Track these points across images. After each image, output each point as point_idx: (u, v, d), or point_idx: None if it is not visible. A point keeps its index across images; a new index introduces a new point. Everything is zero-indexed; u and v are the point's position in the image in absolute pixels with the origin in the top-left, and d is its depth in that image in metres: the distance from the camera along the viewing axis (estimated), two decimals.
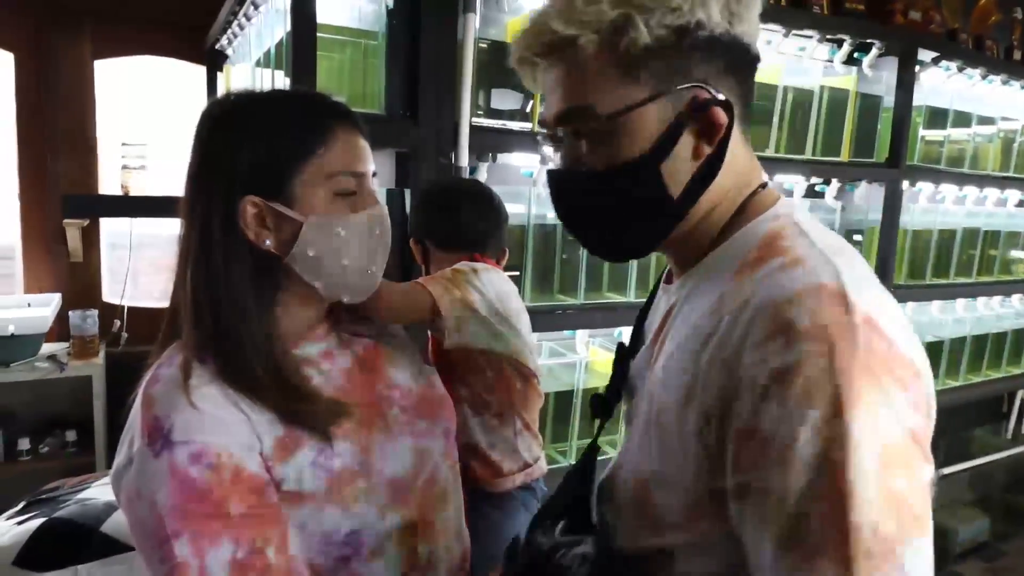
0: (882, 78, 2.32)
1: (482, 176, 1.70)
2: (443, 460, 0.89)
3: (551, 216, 1.82)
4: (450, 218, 1.30)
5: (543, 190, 1.78)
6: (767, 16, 1.98)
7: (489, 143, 1.66)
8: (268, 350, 0.75)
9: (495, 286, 1.21)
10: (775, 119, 2.11)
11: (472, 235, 1.30)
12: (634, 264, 1.94)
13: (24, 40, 2.96)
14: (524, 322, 1.29)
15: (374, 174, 0.82)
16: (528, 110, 1.74)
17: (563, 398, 1.91)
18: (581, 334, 1.95)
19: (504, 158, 1.76)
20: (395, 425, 0.84)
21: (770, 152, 2.13)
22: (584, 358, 1.91)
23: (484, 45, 1.63)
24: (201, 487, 0.66)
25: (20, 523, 1.75)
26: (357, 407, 0.81)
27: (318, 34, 1.40)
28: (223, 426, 0.69)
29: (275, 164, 0.75)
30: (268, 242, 0.75)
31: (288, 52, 1.52)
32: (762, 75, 2.05)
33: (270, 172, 0.75)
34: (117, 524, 1.79)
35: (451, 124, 1.54)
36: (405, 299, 1.10)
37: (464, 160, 1.56)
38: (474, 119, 1.58)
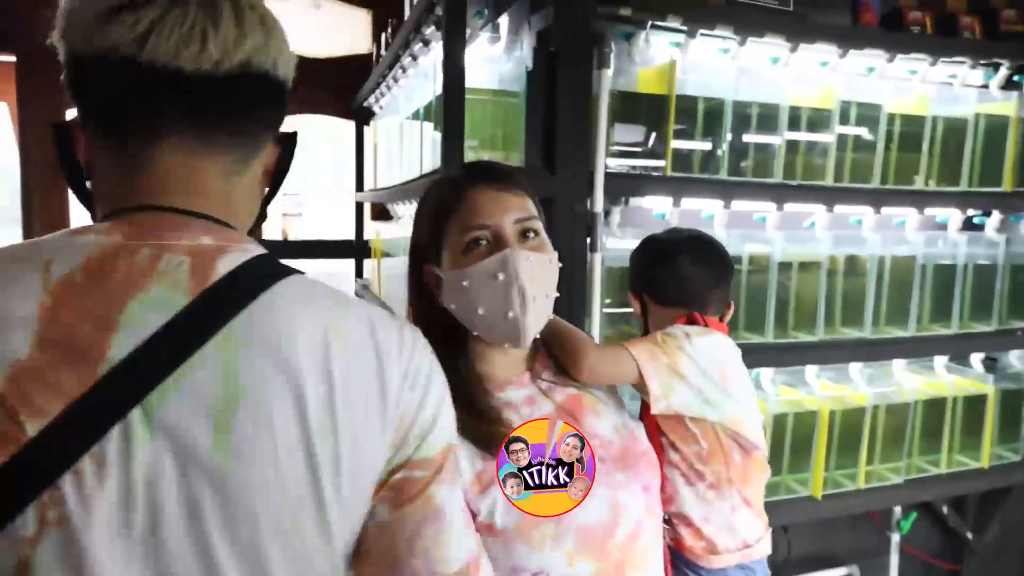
0: None
1: (615, 219, 1.75)
2: (647, 518, 0.90)
3: None
4: (668, 272, 1.25)
5: None
6: (911, 46, 1.92)
7: (622, 188, 1.71)
8: (465, 390, 0.84)
9: (708, 351, 1.15)
10: (924, 148, 2.01)
11: (691, 290, 1.24)
12: (771, 305, 1.90)
13: None
14: (743, 390, 1.19)
15: (522, 219, 0.88)
16: (650, 146, 1.78)
17: None
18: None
19: (636, 201, 1.80)
20: None
21: (919, 185, 2.03)
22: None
23: (616, 96, 1.69)
24: None
25: None
26: None
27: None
28: None
29: (431, 235, 0.89)
30: (442, 300, 0.89)
31: (437, 110, 1.66)
32: (908, 106, 1.98)
33: (430, 243, 0.90)
34: None
35: (586, 172, 1.60)
36: (608, 363, 1.07)
37: (599, 206, 1.61)
38: (610, 160, 1.64)
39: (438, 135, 1.64)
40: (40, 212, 2.94)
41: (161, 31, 0.53)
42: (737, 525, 1.19)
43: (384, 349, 0.59)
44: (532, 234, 0.88)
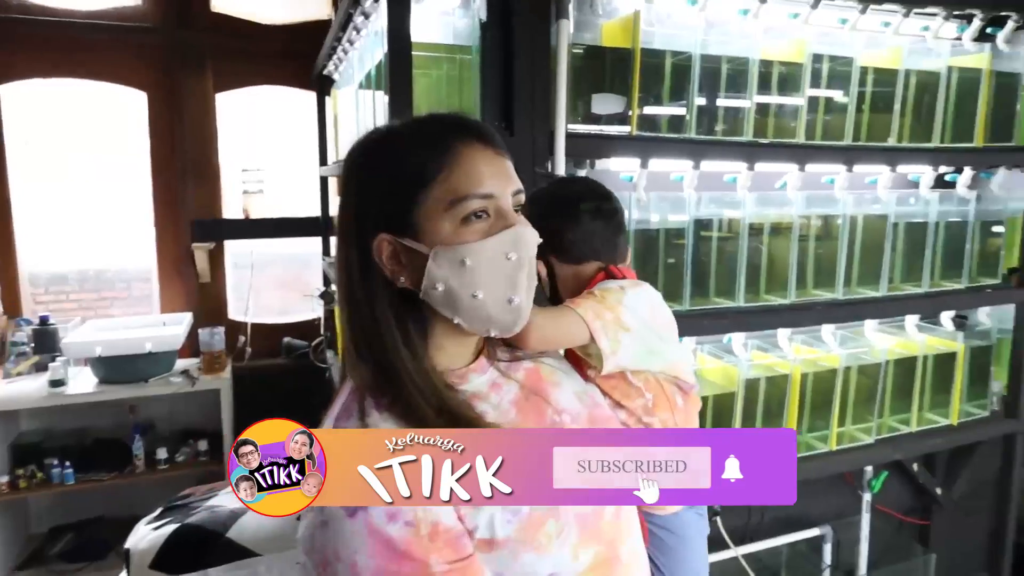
0: (1020, 54, 2.11)
1: None
2: None
3: (655, 221, 1.77)
4: (574, 228, 1.15)
5: (644, 195, 1.74)
6: None
7: (586, 149, 1.63)
8: (430, 387, 0.72)
9: (644, 300, 1.10)
10: (896, 106, 1.96)
11: (600, 242, 1.16)
12: (742, 269, 1.86)
13: (155, 80, 3.23)
14: (675, 334, 1.16)
15: (519, 191, 0.75)
16: (627, 113, 1.70)
17: None
18: (688, 341, 1.88)
19: (602, 163, 1.73)
20: None
21: (892, 141, 1.98)
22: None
23: (578, 51, 1.61)
24: (402, 547, 0.65)
25: (156, 528, 1.89)
26: None
27: (414, 52, 1.43)
28: None
29: (398, 197, 0.72)
30: (403, 279, 0.73)
31: (387, 72, 1.56)
32: (881, 59, 1.93)
33: (395, 206, 0.72)
34: (241, 530, 1.90)
35: (546, 133, 1.53)
36: (558, 327, 1.01)
37: (561, 168, 1.54)
38: (570, 126, 1.57)
39: (387, 103, 1.54)
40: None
41: None
42: None
43: None
44: (520, 210, 0.77)
